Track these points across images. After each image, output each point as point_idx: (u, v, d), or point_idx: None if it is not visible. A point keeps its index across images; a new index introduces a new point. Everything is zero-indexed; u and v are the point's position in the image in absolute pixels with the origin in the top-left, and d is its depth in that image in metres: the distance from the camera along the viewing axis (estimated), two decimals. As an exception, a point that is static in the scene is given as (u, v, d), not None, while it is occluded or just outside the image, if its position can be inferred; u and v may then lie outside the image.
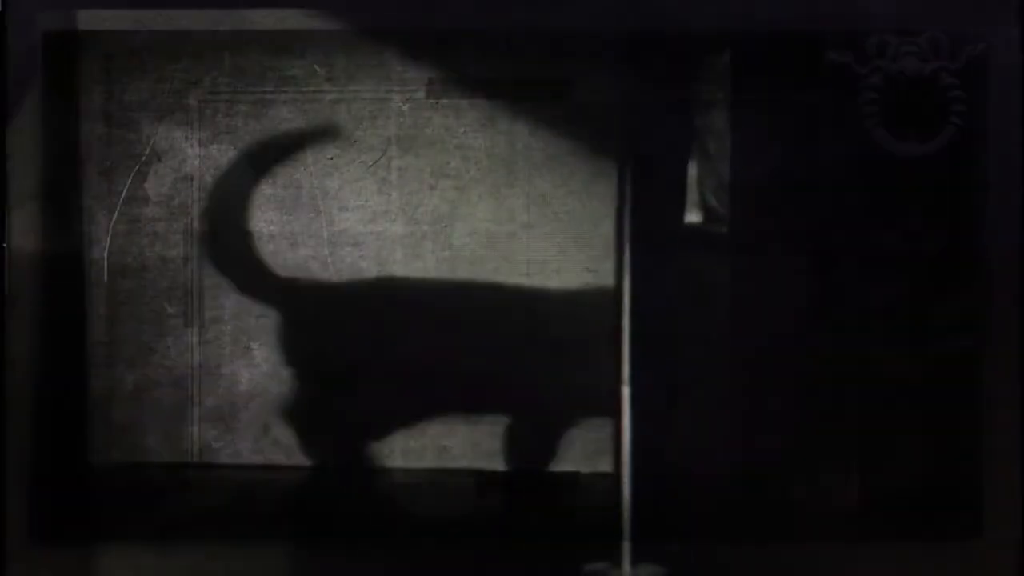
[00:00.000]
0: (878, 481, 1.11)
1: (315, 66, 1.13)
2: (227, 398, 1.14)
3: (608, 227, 1.13)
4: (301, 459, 1.14)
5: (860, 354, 1.11)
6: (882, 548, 1.10)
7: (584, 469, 1.13)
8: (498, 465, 1.13)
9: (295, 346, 1.13)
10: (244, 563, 1.11)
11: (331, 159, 1.13)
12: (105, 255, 1.13)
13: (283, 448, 1.14)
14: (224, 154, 1.13)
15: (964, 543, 1.10)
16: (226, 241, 1.13)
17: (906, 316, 1.11)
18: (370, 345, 1.13)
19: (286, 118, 1.13)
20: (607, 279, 1.12)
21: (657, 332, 1.11)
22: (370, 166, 1.14)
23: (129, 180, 1.13)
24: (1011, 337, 1.09)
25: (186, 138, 1.13)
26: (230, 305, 1.14)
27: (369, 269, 1.13)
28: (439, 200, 1.14)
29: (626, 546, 1.11)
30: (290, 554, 1.11)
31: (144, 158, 1.13)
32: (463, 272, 1.13)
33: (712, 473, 1.12)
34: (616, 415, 1.12)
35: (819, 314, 1.12)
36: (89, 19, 1.11)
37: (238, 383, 1.14)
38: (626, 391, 1.11)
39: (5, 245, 1.09)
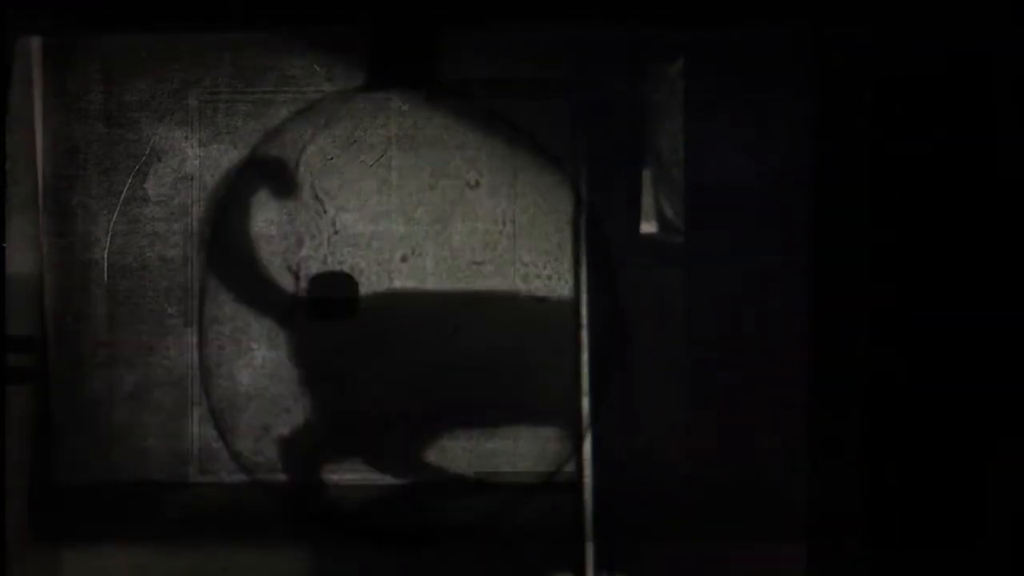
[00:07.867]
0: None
1: (315, 66, 1.13)
2: (227, 398, 1.14)
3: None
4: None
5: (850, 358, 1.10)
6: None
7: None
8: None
9: None
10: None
11: (331, 159, 1.13)
12: (105, 255, 1.13)
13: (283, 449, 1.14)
14: (224, 154, 1.13)
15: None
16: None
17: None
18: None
19: (286, 118, 1.13)
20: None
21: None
22: (370, 166, 1.14)
23: (129, 180, 1.13)
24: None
25: (186, 138, 1.13)
26: (230, 305, 1.14)
27: (369, 269, 1.13)
28: (439, 200, 1.14)
29: (589, 548, 1.12)
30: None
31: (144, 158, 1.13)
32: (463, 272, 1.13)
33: (676, 477, 1.12)
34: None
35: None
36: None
37: (238, 383, 1.14)
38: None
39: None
